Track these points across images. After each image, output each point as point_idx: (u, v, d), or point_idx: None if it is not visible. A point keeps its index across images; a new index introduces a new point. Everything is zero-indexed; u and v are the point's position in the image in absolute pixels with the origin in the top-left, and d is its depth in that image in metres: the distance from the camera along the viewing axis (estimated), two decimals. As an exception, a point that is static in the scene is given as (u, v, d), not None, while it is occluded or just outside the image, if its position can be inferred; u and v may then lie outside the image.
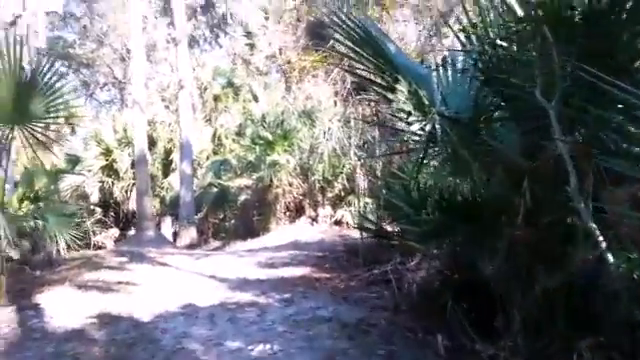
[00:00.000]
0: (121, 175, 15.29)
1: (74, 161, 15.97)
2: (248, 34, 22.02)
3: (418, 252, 4.55)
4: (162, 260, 7.63)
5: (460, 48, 3.24)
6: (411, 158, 4.57)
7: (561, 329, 2.70)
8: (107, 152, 15.51)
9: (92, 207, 15.35)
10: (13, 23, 18.40)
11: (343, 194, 10.86)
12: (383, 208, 5.80)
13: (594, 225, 2.21)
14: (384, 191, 5.71)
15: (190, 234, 13.50)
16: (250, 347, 3.71)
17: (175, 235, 14.86)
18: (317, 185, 10.97)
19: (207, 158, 17.24)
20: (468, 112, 2.85)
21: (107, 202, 15.64)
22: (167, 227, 16.06)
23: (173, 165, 16.33)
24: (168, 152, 16.76)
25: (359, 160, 6.80)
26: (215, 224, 15.36)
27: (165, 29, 23.70)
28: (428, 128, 2.67)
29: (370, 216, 6.94)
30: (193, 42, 24.38)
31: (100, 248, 14.37)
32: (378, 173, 6.19)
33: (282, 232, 10.70)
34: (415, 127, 2.79)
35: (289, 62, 7.41)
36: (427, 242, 3.86)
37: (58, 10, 25.75)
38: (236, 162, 14.45)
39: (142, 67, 13.62)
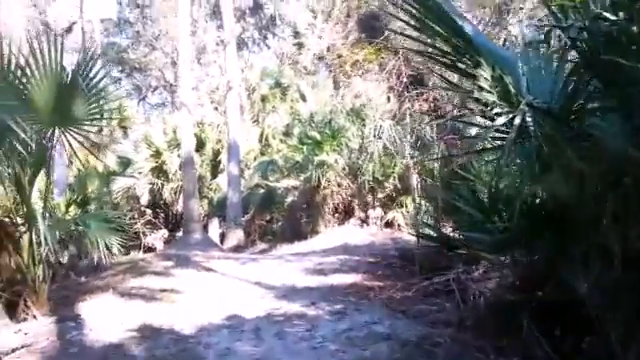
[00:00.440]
0: (170, 177, 15.43)
1: (125, 163, 16.24)
2: (296, 34, 21.84)
3: (488, 262, 4.02)
4: (207, 265, 7.39)
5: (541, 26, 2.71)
6: (482, 157, 4.02)
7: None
8: (157, 154, 15.69)
9: (142, 209, 15.56)
10: (69, 29, 18.97)
11: (394, 195, 10.37)
12: (443, 212, 5.30)
13: None
14: (443, 193, 5.21)
15: (237, 236, 13.34)
16: (299, 369, 3.33)
17: (222, 237, 14.77)
18: (367, 185, 10.53)
19: (254, 159, 17.12)
20: (558, 101, 2.34)
21: (157, 203, 15.81)
22: (214, 228, 16.01)
23: (221, 166, 16.31)
24: (216, 153, 16.77)
25: (412, 159, 6.29)
26: (262, 226, 15.17)
27: (215, 32, 23.93)
28: (517, 121, 2.17)
29: (426, 220, 6.42)
30: (242, 44, 24.49)
31: (150, 249, 14.55)
32: (436, 173, 5.68)
33: (330, 235, 10.31)
34: (500, 121, 2.29)
35: (340, 56, 6.98)
36: (502, 252, 3.35)
37: (112, 17, 26.56)
38: (283, 162, 14.24)
39: (189, 69, 13.57)
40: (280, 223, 13.84)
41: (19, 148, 4.49)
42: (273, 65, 22.70)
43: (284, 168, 14.05)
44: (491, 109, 2.40)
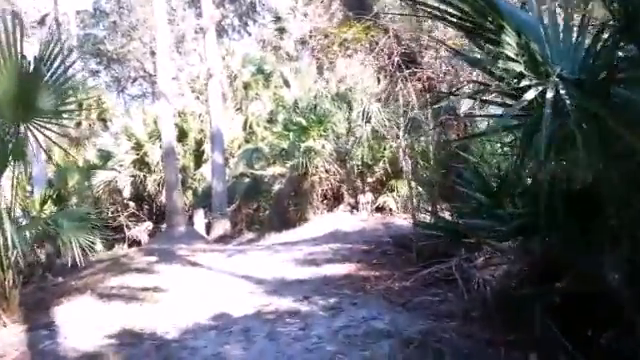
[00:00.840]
0: (153, 168, 15.09)
1: (106, 157, 15.82)
2: (277, 19, 21.36)
3: (493, 248, 3.73)
4: (192, 259, 7.04)
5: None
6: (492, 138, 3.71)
7: None
8: (138, 146, 15.33)
9: (125, 201, 15.17)
10: (42, 21, 18.25)
11: (385, 179, 10.09)
12: (440, 196, 5.01)
13: None
14: (440, 177, 4.91)
15: (223, 226, 13.02)
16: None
17: (208, 227, 14.46)
18: (356, 170, 10.23)
19: (239, 147, 16.75)
20: (585, 71, 2.02)
21: (140, 196, 15.45)
22: (200, 219, 15.63)
23: (205, 156, 15.95)
24: (199, 143, 16.38)
25: (405, 141, 5.98)
26: (249, 215, 14.82)
27: (194, 20, 23.32)
28: (550, 95, 1.85)
29: (422, 204, 6.14)
30: (222, 31, 23.93)
31: (135, 242, 14.20)
32: (430, 155, 5.38)
33: (320, 222, 10.01)
34: (530, 95, 1.96)
35: (326, 36, 6.59)
36: (516, 240, 3.06)
37: (88, 8, 25.77)
38: (269, 150, 13.91)
39: (167, 58, 13.12)
40: (267, 212, 13.49)
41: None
42: (255, 52, 22.23)
43: (269, 155, 13.72)
44: (518, 82, 2.07)
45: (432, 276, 4.54)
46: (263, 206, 14.28)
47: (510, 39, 2.06)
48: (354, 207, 10.41)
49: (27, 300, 4.81)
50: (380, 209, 10.09)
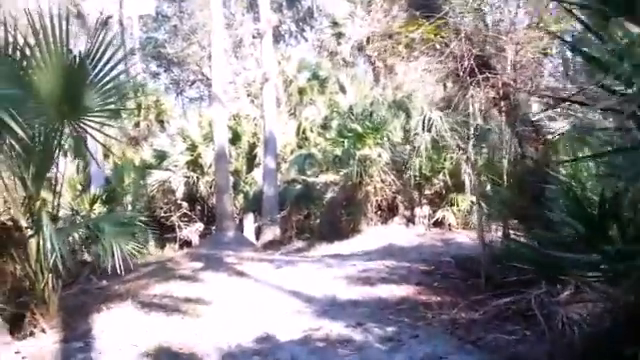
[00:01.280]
0: (205, 170, 15.11)
1: (161, 157, 15.99)
2: (334, 24, 21.08)
3: (588, 286, 3.15)
4: (239, 268, 6.72)
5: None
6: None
7: None
8: (192, 147, 15.43)
9: (178, 202, 15.25)
10: (105, 23, 18.76)
11: (444, 192, 9.51)
12: (513, 217, 4.44)
13: None
14: (514, 196, 4.35)
15: (273, 232, 12.76)
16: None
17: (258, 232, 14.26)
18: (413, 182, 9.69)
19: (291, 152, 16.52)
20: None
21: (193, 197, 15.51)
22: (249, 223, 15.52)
23: (257, 160, 15.84)
24: (252, 146, 16.32)
25: (475, 154, 5.44)
26: (299, 221, 14.52)
27: (251, 25, 23.43)
28: None
29: (488, 223, 5.55)
30: (278, 37, 23.94)
31: (186, 242, 14.21)
32: (503, 171, 4.81)
33: (373, 234, 9.55)
34: None
35: (390, 37, 6.13)
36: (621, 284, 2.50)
37: (151, 12, 26.48)
38: (322, 156, 13.56)
39: (222, 62, 13.06)
40: (318, 220, 13.12)
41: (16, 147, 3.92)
42: (311, 57, 22.06)
43: (322, 162, 13.37)
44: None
45: (506, 308, 3.97)
46: (314, 213, 13.94)
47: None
48: (410, 220, 9.89)
49: (68, 304, 4.61)
50: (438, 223, 9.52)
